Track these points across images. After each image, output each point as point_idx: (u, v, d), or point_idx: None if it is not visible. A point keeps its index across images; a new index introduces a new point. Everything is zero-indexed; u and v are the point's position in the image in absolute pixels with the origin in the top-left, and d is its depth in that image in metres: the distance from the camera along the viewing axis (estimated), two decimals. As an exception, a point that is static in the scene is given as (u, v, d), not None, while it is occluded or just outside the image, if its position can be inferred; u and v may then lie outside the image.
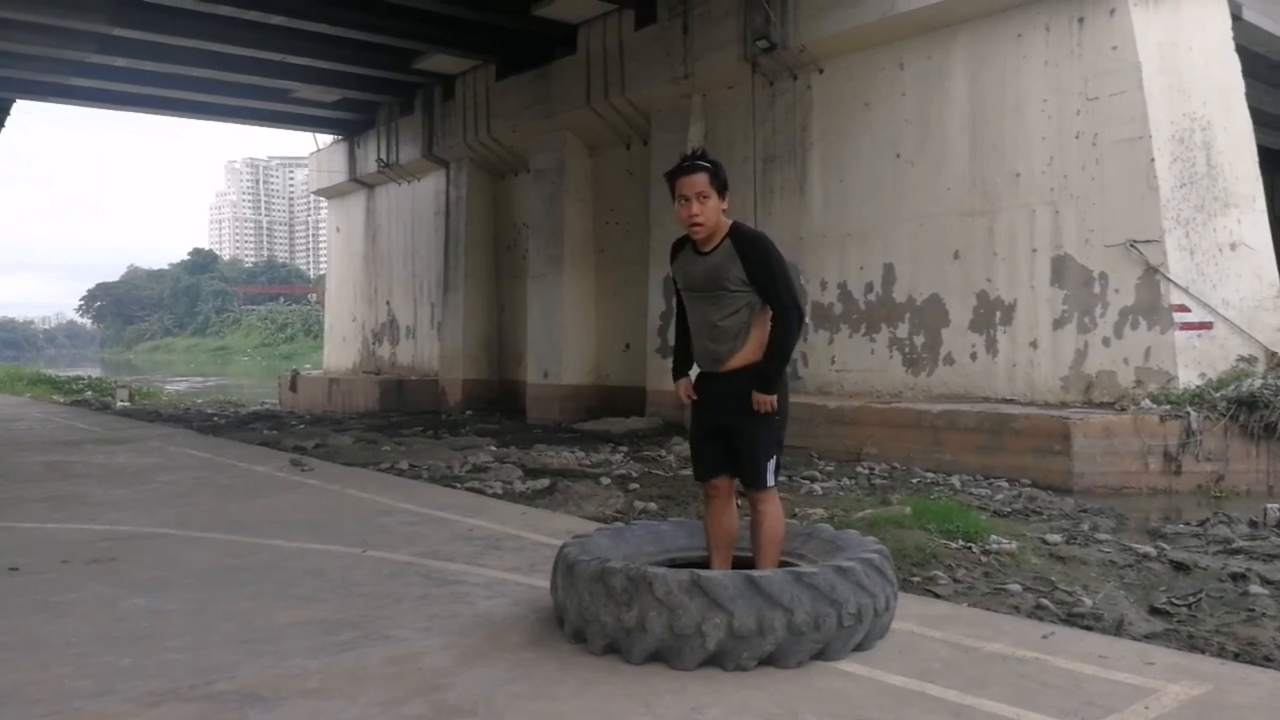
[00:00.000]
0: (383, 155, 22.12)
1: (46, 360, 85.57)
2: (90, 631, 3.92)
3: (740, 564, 3.85)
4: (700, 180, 3.73)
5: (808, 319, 12.99)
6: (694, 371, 4.04)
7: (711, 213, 3.75)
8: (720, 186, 3.76)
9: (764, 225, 13.44)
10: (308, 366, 33.86)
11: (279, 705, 3.08)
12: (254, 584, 4.68)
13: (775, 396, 3.76)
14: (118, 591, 4.55)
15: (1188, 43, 10.20)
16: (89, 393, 26.19)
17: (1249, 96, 10.50)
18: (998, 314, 11.05)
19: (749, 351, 3.79)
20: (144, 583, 4.72)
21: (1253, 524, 7.19)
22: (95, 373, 43.75)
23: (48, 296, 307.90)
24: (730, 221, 3.83)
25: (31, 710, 3.06)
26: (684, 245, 3.94)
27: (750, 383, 3.76)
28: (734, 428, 3.81)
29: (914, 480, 9.47)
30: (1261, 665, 3.83)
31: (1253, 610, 4.88)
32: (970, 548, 5.95)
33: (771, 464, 3.83)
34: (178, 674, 3.37)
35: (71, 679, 3.34)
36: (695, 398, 3.96)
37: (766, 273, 3.74)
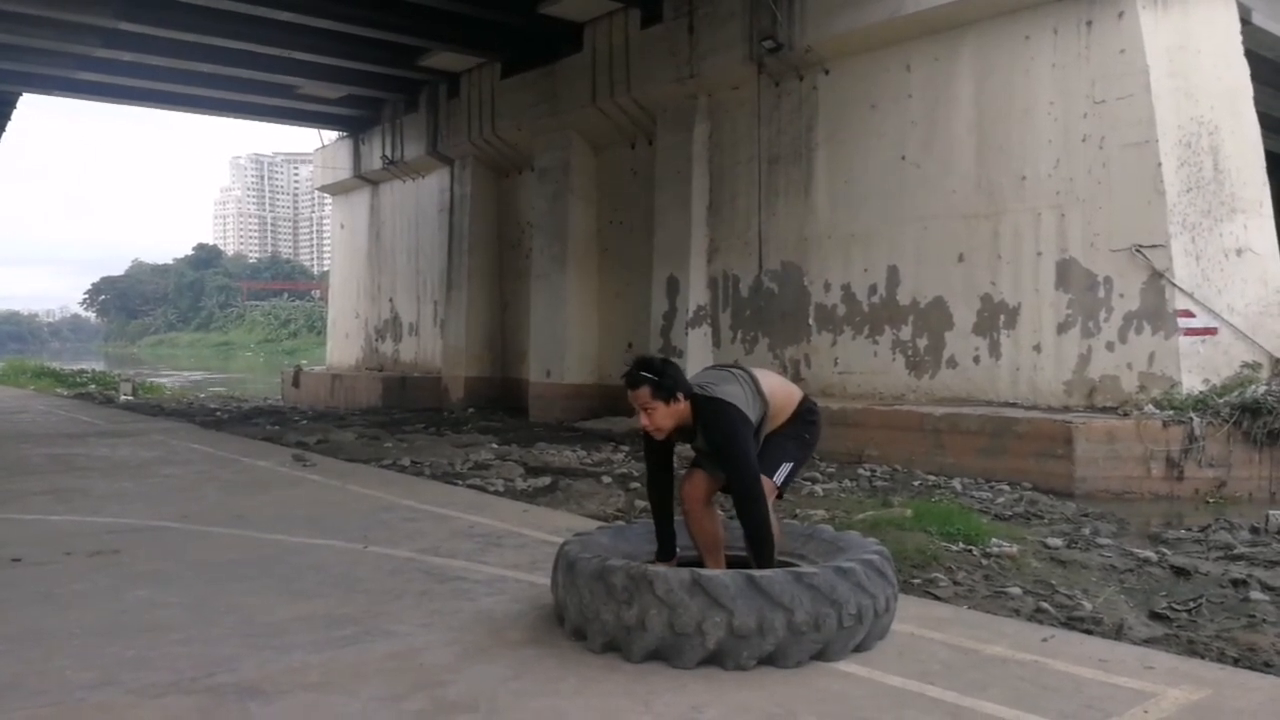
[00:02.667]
0: (387, 152, 22.12)
1: (51, 353, 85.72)
2: (93, 623, 3.93)
3: (735, 564, 3.86)
4: (643, 394, 3.73)
5: (810, 320, 13.00)
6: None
7: (664, 418, 3.76)
8: (666, 396, 3.72)
9: (768, 226, 13.46)
10: (304, 362, 33.83)
11: (280, 699, 3.09)
12: (256, 578, 4.69)
13: None
14: (120, 584, 4.57)
15: (1196, 46, 10.18)
16: (92, 386, 26.17)
17: (1257, 101, 10.48)
18: (1001, 317, 11.03)
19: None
20: (146, 575, 4.74)
21: (1254, 530, 7.19)
22: (99, 366, 43.76)
23: (52, 290, 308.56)
24: (688, 404, 3.78)
25: (34, 701, 3.08)
26: None
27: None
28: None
29: (915, 483, 9.46)
30: (1261, 671, 3.83)
31: (1253, 616, 4.88)
32: (971, 550, 5.95)
33: (782, 469, 3.92)
34: (180, 666, 3.38)
35: (74, 670, 3.36)
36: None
37: (727, 459, 3.76)
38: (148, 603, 4.25)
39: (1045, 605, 4.92)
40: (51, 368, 33.57)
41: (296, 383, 25.06)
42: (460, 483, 8.71)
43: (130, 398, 21.58)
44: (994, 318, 11.10)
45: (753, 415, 3.82)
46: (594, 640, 3.51)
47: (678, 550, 4.05)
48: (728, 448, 3.74)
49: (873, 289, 12.35)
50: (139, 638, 3.72)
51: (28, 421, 14.11)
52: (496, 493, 8.18)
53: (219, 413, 18.32)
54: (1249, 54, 10.53)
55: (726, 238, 14.15)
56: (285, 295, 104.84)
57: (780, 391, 4.04)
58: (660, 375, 3.74)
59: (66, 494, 7.35)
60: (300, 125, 25.20)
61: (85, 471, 8.65)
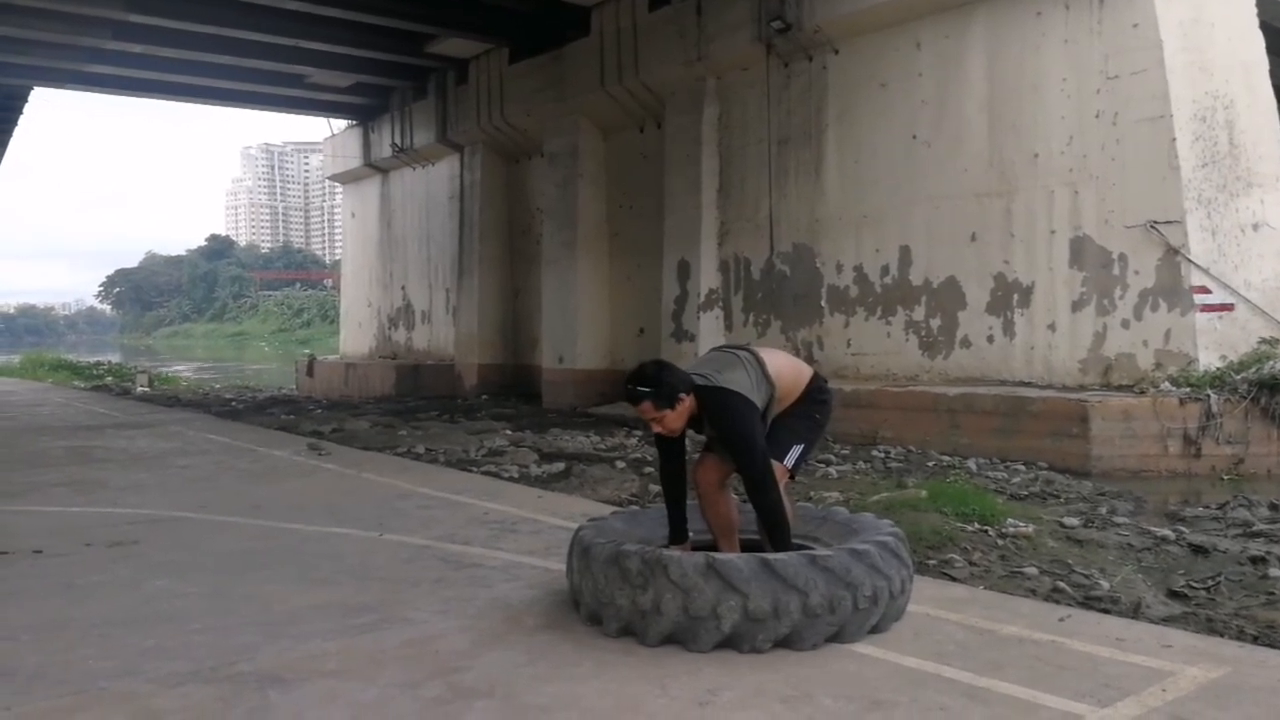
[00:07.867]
0: (397, 140, 22.13)
1: (67, 346, 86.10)
2: (113, 613, 3.97)
3: (750, 548, 3.86)
4: (647, 408, 3.73)
5: (823, 302, 12.95)
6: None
7: (674, 421, 3.76)
8: (669, 402, 3.70)
9: (779, 208, 13.41)
10: (307, 352, 33.92)
11: (299, 686, 3.11)
12: (273, 567, 4.72)
13: None
14: (140, 574, 4.61)
15: (1210, 19, 10.05)
16: (109, 378, 26.40)
17: (1272, 74, 10.36)
18: (1015, 296, 10.97)
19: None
20: (165, 565, 4.77)
21: (1273, 507, 7.14)
22: (115, 358, 44.07)
23: (68, 283, 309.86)
24: (692, 397, 3.75)
25: (57, 690, 3.11)
26: None
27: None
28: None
29: (930, 463, 9.44)
30: (1280, 648, 3.81)
31: (1272, 593, 4.85)
32: (986, 531, 5.94)
33: (793, 451, 3.90)
34: (199, 655, 3.41)
35: (95, 660, 3.39)
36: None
37: (734, 447, 3.76)
38: (167, 592, 4.28)
39: (1062, 585, 4.90)
40: (68, 360, 33.83)
41: (310, 372, 25.18)
42: (475, 469, 8.73)
43: (146, 389, 21.72)
44: (1007, 297, 11.04)
45: (758, 399, 3.79)
46: (609, 625, 3.52)
47: (692, 534, 4.05)
48: (733, 436, 3.73)
49: (885, 269, 12.30)
50: (159, 627, 3.75)
51: (46, 414, 14.23)
52: (511, 479, 8.20)
53: (234, 403, 18.43)
54: (1263, 26, 10.41)
55: (737, 220, 14.09)
56: (298, 285, 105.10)
57: (788, 371, 4.00)
58: (657, 385, 3.70)
59: (85, 485, 7.42)
60: (310, 114, 25.27)
61: (103, 463, 8.72)
